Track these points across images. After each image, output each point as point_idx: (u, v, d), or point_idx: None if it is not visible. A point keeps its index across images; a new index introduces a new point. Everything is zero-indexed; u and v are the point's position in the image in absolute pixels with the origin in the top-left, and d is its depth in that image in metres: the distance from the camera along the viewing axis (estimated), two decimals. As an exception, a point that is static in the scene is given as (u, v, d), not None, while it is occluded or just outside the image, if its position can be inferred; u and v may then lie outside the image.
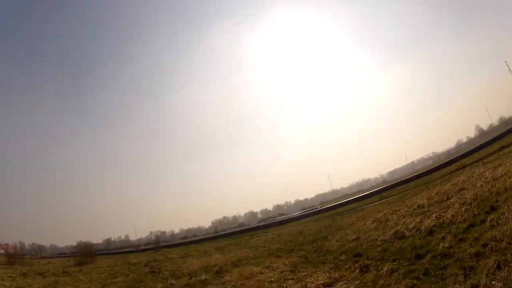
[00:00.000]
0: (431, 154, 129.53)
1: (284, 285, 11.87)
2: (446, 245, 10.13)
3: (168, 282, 17.91)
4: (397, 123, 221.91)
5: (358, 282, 9.67)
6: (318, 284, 10.66)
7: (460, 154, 54.49)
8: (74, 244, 69.46)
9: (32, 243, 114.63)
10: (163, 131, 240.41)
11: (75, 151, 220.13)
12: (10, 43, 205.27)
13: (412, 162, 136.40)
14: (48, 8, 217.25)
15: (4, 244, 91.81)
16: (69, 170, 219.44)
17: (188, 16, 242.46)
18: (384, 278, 9.24)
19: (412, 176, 52.53)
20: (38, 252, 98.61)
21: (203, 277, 17.39)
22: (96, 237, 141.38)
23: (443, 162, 54.93)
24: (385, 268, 9.89)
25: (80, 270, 31.64)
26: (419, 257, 10.09)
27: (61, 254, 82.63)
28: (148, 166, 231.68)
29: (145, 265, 29.28)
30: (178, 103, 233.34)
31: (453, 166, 39.28)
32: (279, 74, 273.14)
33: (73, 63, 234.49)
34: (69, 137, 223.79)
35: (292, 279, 12.54)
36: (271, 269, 15.69)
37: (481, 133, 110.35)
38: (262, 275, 14.54)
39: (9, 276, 27.17)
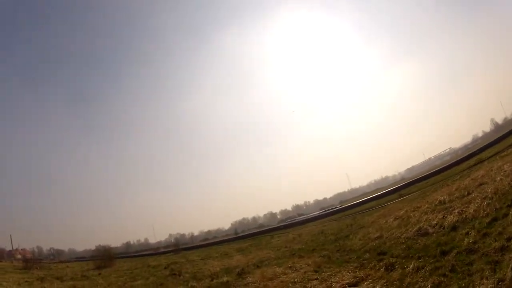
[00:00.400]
0: (448, 150, 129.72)
1: (309, 285, 11.92)
2: (471, 240, 10.20)
3: (189, 285, 17.98)
4: (412, 119, 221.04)
5: (384, 281, 9.69)
6: (343, 284, 10.69)
7: (477, 149, 54.43)
8: (93, 248, 70.09)
9: (50, 248, 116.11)
10: (180, 135, 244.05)
11: (92, 156, 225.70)
12: (25, 50, 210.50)
13: (430, 158, 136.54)
14: (64, 13, 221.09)
15: (21, 249, 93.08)
16: (86, 174, 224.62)
17: (199, 22, 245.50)
18: (411, 276, 9.27)
19: (431, 172, 52.80)
20: (56, 256, 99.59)
21: (224, 279, 17.49)
22: (115, 241, 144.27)
23: (460, 158, 55.18)
24: (411, 266, 9.92)
25: (99, 274, 31.79)
26: (444, 253, 10.15)
27: (80, 258, 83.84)
28: (166, 170, 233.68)
29: (165, 268, 29.47)
30: (193, 107, 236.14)
31: (471, 161, 39.22)
32: (291, 73, 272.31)
33: (88, 79, 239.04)
34: (85, 142, 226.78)
35: (316, 279, 12.58)
36: (294, 269, 15.79)
37: (496, 126, 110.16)
38: (285, 276, 14.66)
39: (26, 281, 27.28)
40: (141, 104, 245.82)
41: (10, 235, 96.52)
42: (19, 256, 76.05)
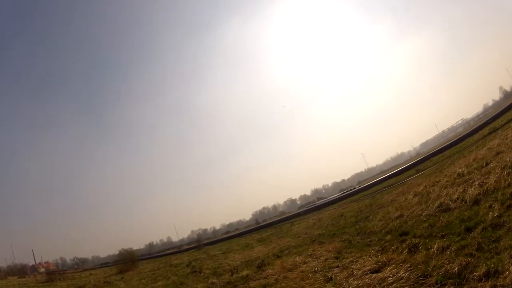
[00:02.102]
0: (460, 121, 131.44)
1: (329, 274, 11.66)
2: (495, 214, 9.88)
3: (209, 281, 18.18)
4: (422, 93, 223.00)
5: (408, 265, 9.29)
6: (365, 271, 10.39)
7: (489, 118, 54.92)
8: (117, 252, 71.41)
9: (74, 257, 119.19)
10: (194, 131, 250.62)
11: (108, 162, 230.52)
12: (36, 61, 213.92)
13: (443, 131, 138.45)
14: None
15: (45, 262, 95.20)
16: (103, 181, 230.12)
17: (200, 18, 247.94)
18: (436, 258, 8.89)
19: (446, 145, 53.44)
20: (80, 265, 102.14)
21: (244, 272, 17.61)
22: (139, 243, 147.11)
23: (473, 128, 55.66)
24: (435, 246, 9.56)
25: (122, 278, 32.45)
26: (469, 230, 9.82)
27: (104, 264, 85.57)
28: (183, 167, 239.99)
29: (187, 265, 30.04)
30: (203, 103, 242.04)
31: (485, 131, 39.33)
32: (296, 59, 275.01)
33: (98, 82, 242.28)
34: (101, 149, 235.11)
35: (337, 266, 12.36)
36: (314, 257, 15.68)
37: (506, 94, 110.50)
38: (305, 265, 14.58)
39: None
40: (152, 105, 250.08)
41: (32, 250, 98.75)
42: (42, 270, 77.58)
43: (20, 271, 76.18)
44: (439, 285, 7.46)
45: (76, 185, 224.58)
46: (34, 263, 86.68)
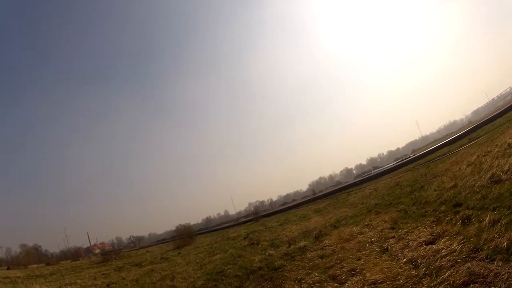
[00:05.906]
0: (508, 89, 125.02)
1: (385, 245, 12.43)
2: (543, 187, 10.09)
3: (266, 253, 19.30)
4: (472, 59, 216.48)
5: (461, 237, 9.82)
6: (420, 242, 11.05)
7: None
8: (174, 228, 74.44)
9: (130, 236, 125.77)
10: (247, 103, 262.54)
11: (164, 141, 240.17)
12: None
13: (493, 99, 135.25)
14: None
15: (100, 243, 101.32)
16: (159, 159, 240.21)
17: None
18: (487, 231, 9.36)
19: (496, 114, 53.46)
20: (136, 243, 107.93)
21: (302, 243, 18.67)
22: (196, 218, 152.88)
23: None
24: (487, 219, 10.04)
25: (179, 253, 34.40)
26: None
27: (161, 240, 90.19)
28: (239, 140, 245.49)
29: (244, 238, 31.46)
30: (256, 74, 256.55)
31: None
32: (344, 27, 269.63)
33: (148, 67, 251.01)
34: (156, 128, 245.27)
35: (393, 237, 13.15)
36: (370, 227, 16.57)
37: None
38: (362, 236, 15.48)
39: (103, 274, 30.00)
40: (203, 81, 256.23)
41: (87, 233, 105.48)
42: (97, 251, 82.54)
43: (74, 254, 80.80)
44: (488, 259, 7.92)
45: (132, 167, 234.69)
46: (89, 245, 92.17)
